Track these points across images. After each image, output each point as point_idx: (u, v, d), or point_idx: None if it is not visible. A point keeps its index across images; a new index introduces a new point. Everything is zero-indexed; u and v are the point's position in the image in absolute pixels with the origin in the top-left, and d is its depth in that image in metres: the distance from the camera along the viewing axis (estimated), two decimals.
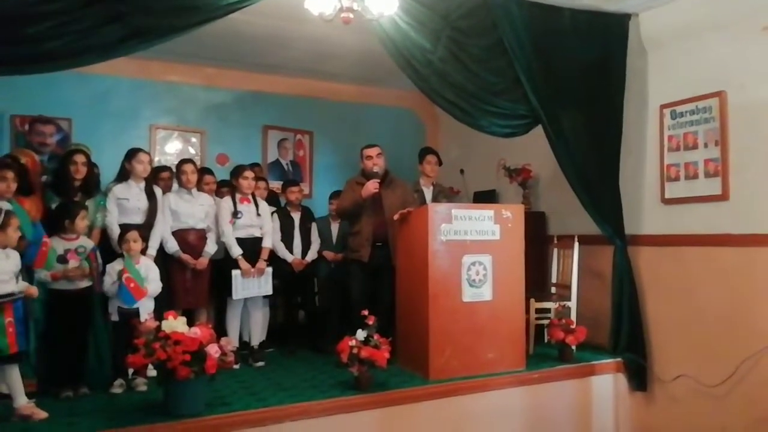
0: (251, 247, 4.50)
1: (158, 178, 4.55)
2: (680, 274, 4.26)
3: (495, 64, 4.22)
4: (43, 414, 3.08)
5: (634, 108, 4.56)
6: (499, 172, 5.93)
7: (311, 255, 5.00)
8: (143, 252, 3.90)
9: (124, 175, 4.16)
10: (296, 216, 5.05)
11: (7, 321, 3.04)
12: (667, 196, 4.37)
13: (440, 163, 5.14)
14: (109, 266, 3.76)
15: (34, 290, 3.24)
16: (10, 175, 3.42)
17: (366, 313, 3.72)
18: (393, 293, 4.39)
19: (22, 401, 3.11)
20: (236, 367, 3.73)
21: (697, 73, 4.18)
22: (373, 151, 4.63)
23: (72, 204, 3.74)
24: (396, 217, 4.27)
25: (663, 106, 4.40)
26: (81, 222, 3.67)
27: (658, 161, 4.43)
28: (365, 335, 3.64)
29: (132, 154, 4.17)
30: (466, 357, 3.90)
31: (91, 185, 4.03)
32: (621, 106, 4.54)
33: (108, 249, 3.92)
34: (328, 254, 5.08)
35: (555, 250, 5.03)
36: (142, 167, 4.15)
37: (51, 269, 3.49)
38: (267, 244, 4.59)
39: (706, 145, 4.12)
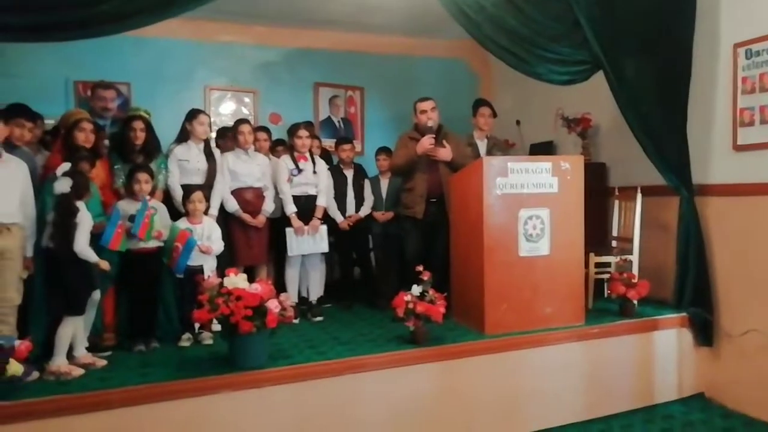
0: (306, 204, 4.55)
1: None
2: (752, 225, 4.02)
3: (552, 6, 4.01)
4: (79, 371, 3.16)
5: (704, 48, 4.26)
6: (557, 122, 5.71)
7: (365, 211, 5.01)
8: (205, 212, 4.01)
9: (184, 136, 4.25)
10: (349, 173, 5.07)
11: None
12: (739, 142, 4.10)
13: (495, 115, 4.99)
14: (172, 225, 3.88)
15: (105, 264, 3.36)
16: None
17: (421, 268, 3.73)
18: (448, 249, 4.37)
19: (82, 351, 3.32)
20: (296, 321, 3.83)
21: None
22: (427, 105, 4.52)
23: (133, 167, 3.84)
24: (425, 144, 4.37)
25: (737, 45, 4.08)
26: (136, 185, 3.74)
27: (730, 105, 4.14)
28: (421, 290, 3.66)
29: (193, 115, 4.24)
30: (522, 312, 3.86)
31: (152, 149, 4.08)
32: (690, 47, 4.26)
33: (170, 209, 4.02)
34: (377, 215, 5.04)
35: (616, 203, 4.85)
36: (202, 128, 4.22)
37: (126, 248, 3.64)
38: (321, 202, 4.63)
39: None
